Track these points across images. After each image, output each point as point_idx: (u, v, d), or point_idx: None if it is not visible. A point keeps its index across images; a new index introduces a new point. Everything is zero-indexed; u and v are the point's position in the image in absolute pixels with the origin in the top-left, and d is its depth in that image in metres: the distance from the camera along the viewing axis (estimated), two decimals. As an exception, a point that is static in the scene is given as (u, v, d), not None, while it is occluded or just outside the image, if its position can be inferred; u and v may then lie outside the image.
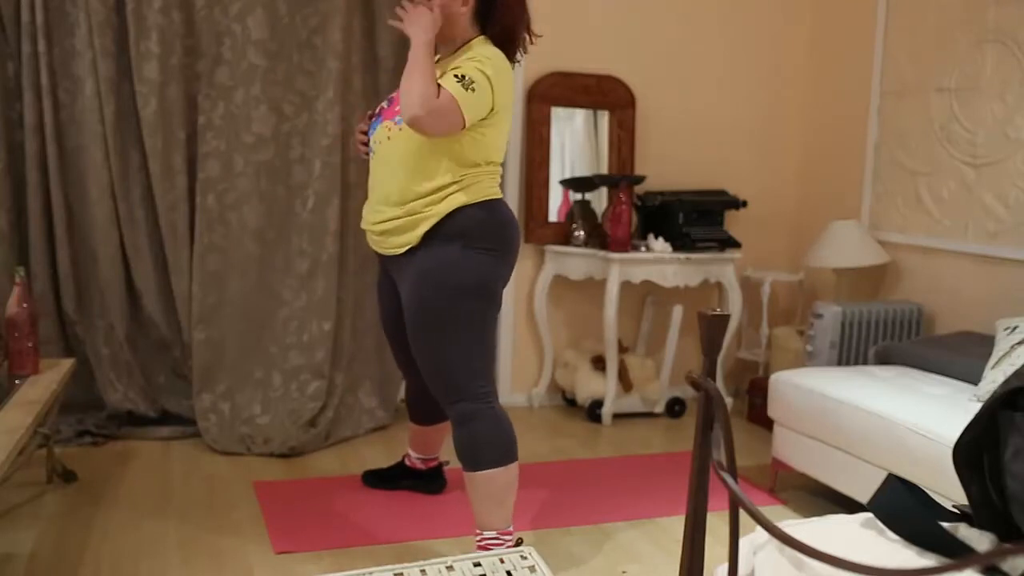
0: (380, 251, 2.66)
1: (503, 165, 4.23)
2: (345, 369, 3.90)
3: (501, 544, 2.53)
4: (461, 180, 2.49)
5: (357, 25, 3.82)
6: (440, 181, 2.47)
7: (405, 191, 2.50)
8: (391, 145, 2.53)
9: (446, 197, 2.48)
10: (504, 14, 2.56)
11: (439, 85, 2.37)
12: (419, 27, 2.43)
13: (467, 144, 2.47)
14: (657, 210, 4.30)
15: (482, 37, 2.55)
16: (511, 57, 2.60)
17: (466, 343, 2.49)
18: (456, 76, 2.38)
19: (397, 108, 2.53)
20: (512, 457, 2.53)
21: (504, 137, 2.57)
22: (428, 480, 3.24)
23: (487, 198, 2.53)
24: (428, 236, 2.50)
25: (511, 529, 2.57)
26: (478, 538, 2.56)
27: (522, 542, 2.70)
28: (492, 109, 2.44)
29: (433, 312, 2.49)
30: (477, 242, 2.50)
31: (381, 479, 3.28)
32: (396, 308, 2.80)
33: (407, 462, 3.26)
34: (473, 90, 2.37)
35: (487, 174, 2.55)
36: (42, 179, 3.60)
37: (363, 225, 2.68)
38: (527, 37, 2.66)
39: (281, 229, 3.81)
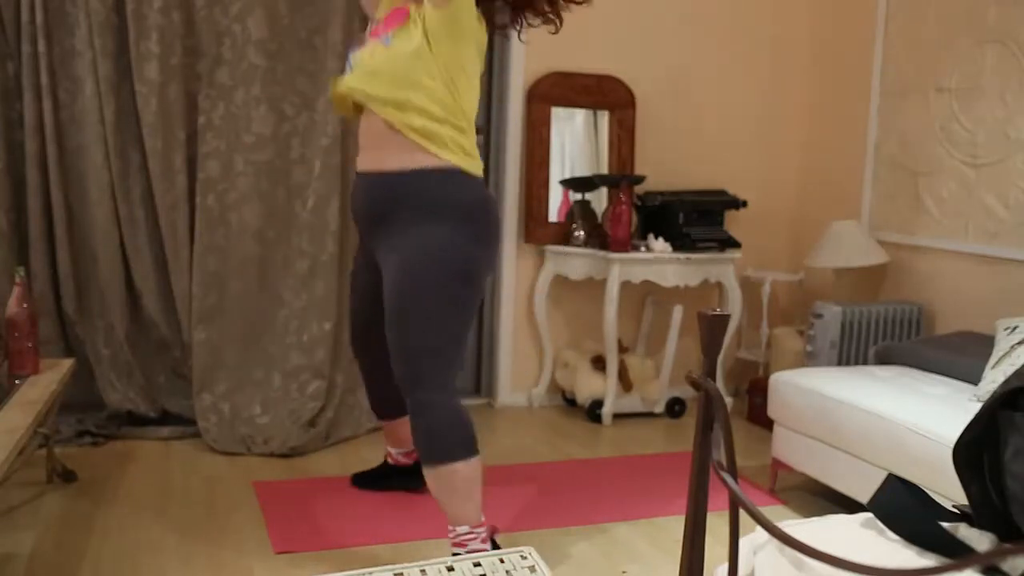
0: (370, 169, 2.58)
1: (501, 174, 4.26)
2: (345, 369, 3.90)
3: (475, 538, 2.50)
4: (452, 121, 2.45)
5: (357, 25, 3.82)
6: (427, 101, 2.43)
7: (394, 93, 2.45)
8: (373, 59, 2.49)
9: (446, 134, 2.44)
10: None
11: None
12: None
13: (450, 82, 2.43)
14: (657, 210, 4.30)
15: None
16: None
17: (443, 328, 2.45)
18: None
19: (385, 29, 2.49)
20: (472, 451, 2.48)
21: (476, 93, 2.52)
22: (414, 474, 3.16)
23: (479, 174, 2.52)
24: (418, 208, 2.46)
25: (483, 520, 2.54)
26: (451, 534, 2.52)
27: (497, 530, 2.68)
28: (470, 28, 2.42)
29: (419, 290, 2.44)
30: (470, 225, 2.47)
31: (369, 480, 3.27)
32: (371, 293, 2.77)
33: (389, 460, 3.25)
34: None
35: (470, 131, 2.51)
36: (42, 179, 3.60)
37: (340, 90, 2.62)
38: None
39: (281, 229, 3.81)
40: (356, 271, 2.89)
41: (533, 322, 4.39)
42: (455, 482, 2.46)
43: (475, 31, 2.49)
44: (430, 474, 2.49)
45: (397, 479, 3.24)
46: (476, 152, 2.56)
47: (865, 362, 3.77)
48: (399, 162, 2.50)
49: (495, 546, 2.58)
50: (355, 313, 2.94)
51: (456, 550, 2.50)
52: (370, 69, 2.51)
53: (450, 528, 2.53)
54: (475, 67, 2.52)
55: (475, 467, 2.49)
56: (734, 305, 4.33)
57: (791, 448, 3.28)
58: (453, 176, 2.48)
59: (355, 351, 3.03)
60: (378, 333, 2.72)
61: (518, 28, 2.73)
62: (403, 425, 3.09)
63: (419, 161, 2.47)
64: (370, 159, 2.59)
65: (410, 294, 2.46)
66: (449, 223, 2.46)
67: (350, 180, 3.87)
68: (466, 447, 2.47)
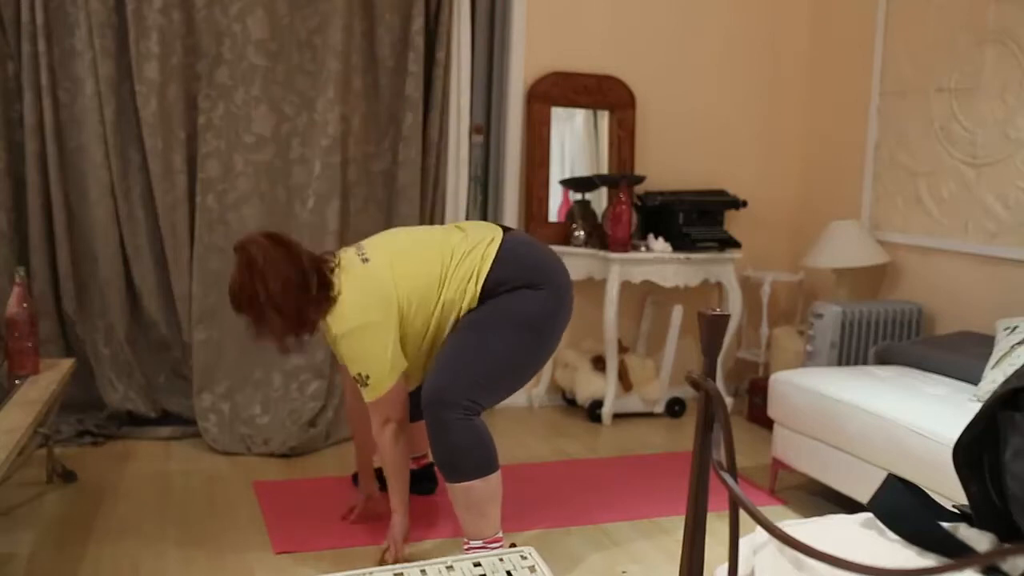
0: None
1: (501, 174, 4.26)
2: (345, 369, 3.90)
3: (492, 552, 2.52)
4: (449, 288, 2.56)
5: (357, 25, 3.82)
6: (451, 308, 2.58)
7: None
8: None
9: (455, 296, 2.56)
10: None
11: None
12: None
13: (416, 315, 2.56)
14: (657, 210, 4.30)
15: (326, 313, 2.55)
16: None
17: (491, 359, 2.51)
18: (356, 379, 2.53)
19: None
20: (491, 468, 2.50)
21: (422, 274, 2.56)
22: (419, 479, 3.20)
23: (492, 260, 2.57)
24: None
25: (500, 536, 2.56)
26: (465, 547, 2.55)
27: (514, 547, 2.69)
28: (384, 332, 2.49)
29: (487, 321, 2.53)
30: (517, 283, 2.56)
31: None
32: None
33: None
34: (367, 381, 2.51)
35: (454, 266, 2.57)
36: (42, 179, 3.60)
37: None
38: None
39: (281, 229, 3.79)
40: None
41: (533, 322, 4.38)
42: (471, 498, 2.49)
43: (389, 333, 2.54)
44: (449, 489, 2.52)
45: None
46: (470, 256, 2.59)
47: (865, 362, 3.77)
48: None
49: None
50: None
51: None
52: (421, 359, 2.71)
53: (464, 540, 2.56)
54: (409, 310, 2.56)
55: (493, 484, 2.51)
56: (734, 305, 4.33)
57: (791, 448, 3.28)
58: (489, 274, 2.58)
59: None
60: None
61: None
62: (415, 429, 3.09)
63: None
64: None
65: (477, 324, 2.53)
66: (501, 289, 2.58)
67: (350, 180, 3.88)
68: (485, 466, 2.49)
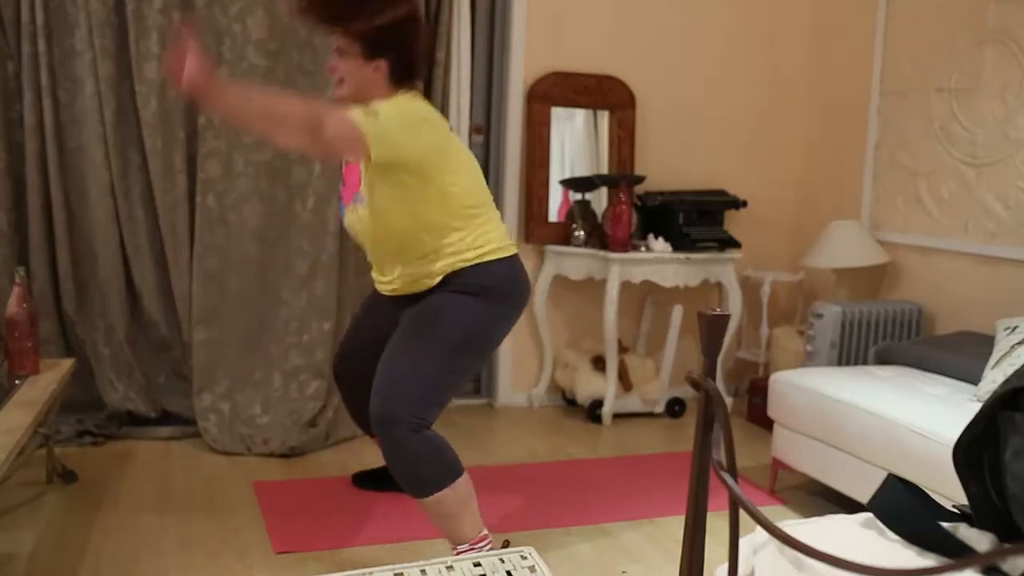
0: (401, 294, 2.64)
1: (501, 174, 4.26)
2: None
3: (478, 552, 2.50)
4: (458, 234, 2.48)
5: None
6: (431, 246, 2.48)
7: (404, 263, 2.53)
8: (365, 227, 2.54)
9: (452, 253, 2.49)
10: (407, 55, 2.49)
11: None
12: (195, 84, 2.11)
13: (432, 206, 2.43)
14: (657, 210, 4.30)
15: (405, 94, 2.50)
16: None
17: (437, 376, 2.44)
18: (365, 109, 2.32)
19: (353, 189, 2.55)
20: (455, 474, 2.44)
21: (465, 175, 2.48)
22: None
23: (504, 254, 2.53)
24: (446, 281, 2.51)
25: (484, 534, 2.53)
26: (455, 553, 2.50)
27: (508, 543, 2.68)
28: (408, 152, 2.35)
29: (430, 332, 2.46)
30: (495, 298, 2.50)
31: (370, 480, 3.27)
32: (378, 323, 2.79)
33: None
34: (375, 116, 2.28)
35: (479, 219, 2.51)
36: (42, 179, 3.60)
37: (376, 286, 2.70)
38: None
39: (281, 229, 3.81)
40: (377, 299, 2.84)
41: (533, 322, 4.39)
42: (444, 509, 2.45)
43: (416, 143, 2.38)
44: (420, 504, 2.47)
45: (395, 483, 3.23)
46: (494, 222, 2.55)
47: (865, 362, 3.77)
48: (427, 287, 2.55)
49: None
50: (358, 330, 2.95)
51: None
52: (372, 241, 2.57)
53: (453, 548, 2.53)
54: (442, 163, 2.43)
55: (461, 489, 2.45)
56: (734, 305, 4.33)
57: (791, 448, 3.28)
58: (476, 268, 2.50)
59: (340, 370, 3.03)
60: (370, 356, 2.71)
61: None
62: None
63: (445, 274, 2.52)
64: (399, 287, 2.62)
65: (425, 326, 2.48)
66: (479, 294, 2.49)
67: (350, 180, 3.88)
68: (447, 474, 2.43)
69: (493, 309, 2.51)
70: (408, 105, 2.43)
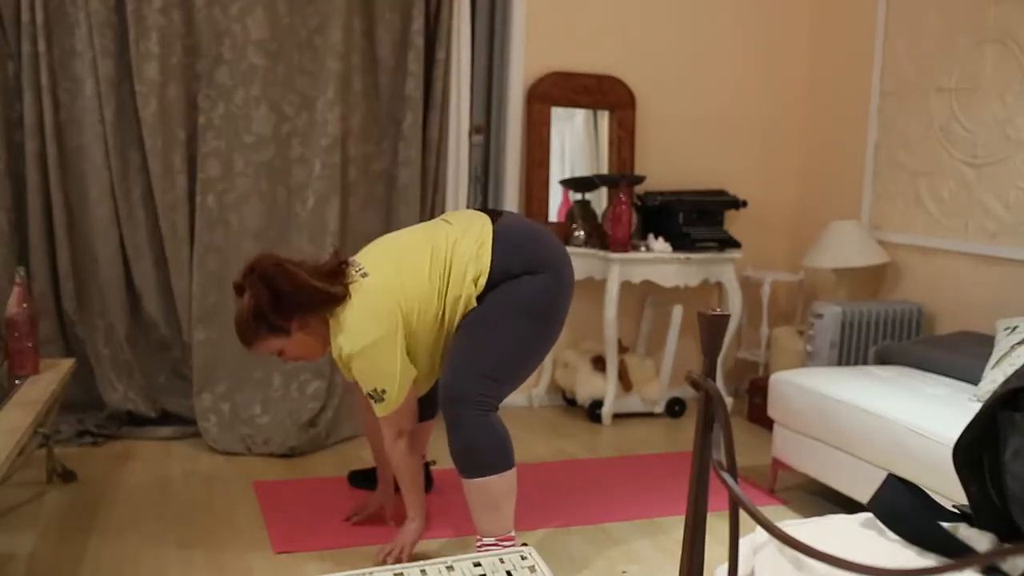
0: None
1: (501, 174, 4.26)
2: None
3: (500, 550, 2.52)
4: (451, 280, 2.54)
5: (357, 25, 3.82)
6: (449, 310, 2.57)
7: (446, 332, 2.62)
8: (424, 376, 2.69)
9: (456, 284, 2.54)
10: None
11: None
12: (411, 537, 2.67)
13: (420, 321, 2.53)
14: (657, 210, 4.30)
15: (328, 319, 2.55)
16: None
17: (497, 349, 2.51)
18: (371, 395, 2.52)
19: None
20: (508, 464, 2.51)
21: (413, 273, 2.53)
22: None
23: (489, 256, 2.55)
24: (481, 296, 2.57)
25: (512, 535, 2.56)
26: (477, 543, 2.56)
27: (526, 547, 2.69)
28: (398, 363, 2.49)
29: (483, 317, 2.52)
30: (528, 269, 2.54)
31: (367, 479, 3.27)
32: None
33: None
34: (383, 395, 2.50)
35: (447, 262, 2.55)
36: (42, 179, 3.60)
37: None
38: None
39: (281, 229, 3.81)
40: None
41: (533, 322, 4.38)
42: (487, 495, 2.50)
43: (392, 353, 2.51)
44: (465, 485, 2.52)
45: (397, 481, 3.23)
46: (465, 255, 2.56)
47: (865, 362, 3.77)
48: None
49: None
50: None
51: None
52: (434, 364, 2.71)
53: (477, 537, 2.57)
54: (409, 316, 2.52)
55: (508, 479, 2.52)
56: (734, 305, 4.33)
57: (791, 448, 3.28)
58: (491, 270, 2.55)
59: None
60: None
61: None
62: (418, 430, 3.08)
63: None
64: None
65: (472, 325, 2.53)
66: (508, 280, 2.54)
67: (349, 180, 3.88)
68: (501, 462, 2.50)
69: (532, 279, 2.54)
70: (364, 352, 2.49)
